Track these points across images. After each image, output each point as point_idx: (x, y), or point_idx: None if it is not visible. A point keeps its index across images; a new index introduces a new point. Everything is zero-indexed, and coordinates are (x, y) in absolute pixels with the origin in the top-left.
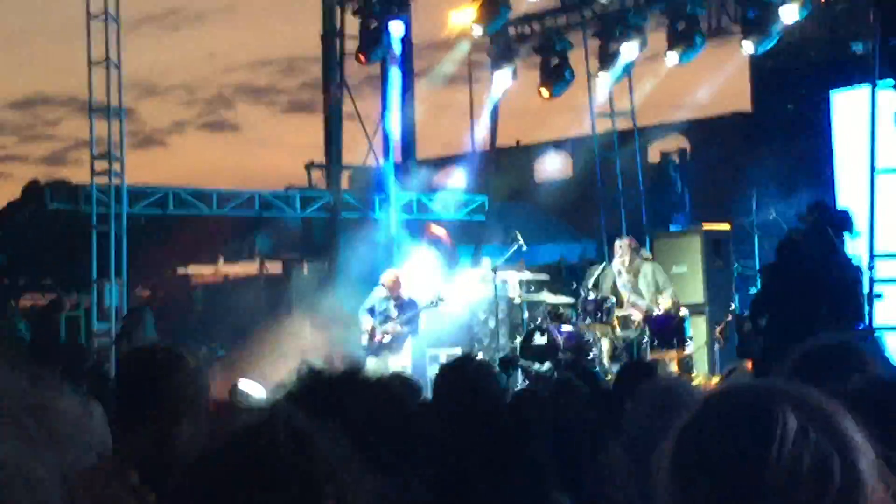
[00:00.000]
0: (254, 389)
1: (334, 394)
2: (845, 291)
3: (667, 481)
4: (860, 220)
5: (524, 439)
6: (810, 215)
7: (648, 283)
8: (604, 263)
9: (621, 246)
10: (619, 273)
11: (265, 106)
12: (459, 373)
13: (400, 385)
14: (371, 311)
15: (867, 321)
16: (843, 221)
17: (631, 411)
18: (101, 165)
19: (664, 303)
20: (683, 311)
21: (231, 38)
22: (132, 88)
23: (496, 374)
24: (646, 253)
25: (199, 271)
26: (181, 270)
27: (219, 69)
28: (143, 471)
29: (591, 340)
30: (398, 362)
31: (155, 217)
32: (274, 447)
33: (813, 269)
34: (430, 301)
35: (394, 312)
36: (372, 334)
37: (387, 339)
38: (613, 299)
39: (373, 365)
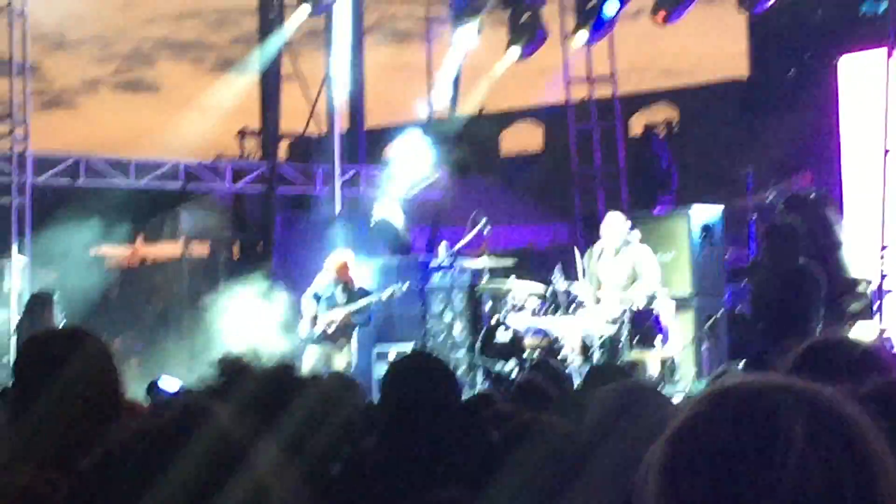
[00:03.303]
0: (176, 387)
1: (263, 392)
2: (849, 287)
3: (655, 491)
4: (868, 207)
5: (480, 445)
6: (789, 211)
7: (631, 269)
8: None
9: (613, 222)
10: (600, 256)
11: (191, 63)
12: (412, 371)
13: (340, 385)
14: (316, 297)
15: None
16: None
17: (588, 418)
18: (1, 129)
19: (642, 294)
20: (668, 305)
21: None
22: (38, 41)
23: (453, 374)
24: (635, 234)
25: (115, 252)
26: (93, 250)
27: (138, 20)
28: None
29: (560, 337)
30: (341, 359)
31: (63, 188)
32: (189, 445)
33: (810, 262)
34: (391, 291)
35: (341, 299)
36: (314, 322)
37: (331, 328)
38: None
39: (312, 355)
